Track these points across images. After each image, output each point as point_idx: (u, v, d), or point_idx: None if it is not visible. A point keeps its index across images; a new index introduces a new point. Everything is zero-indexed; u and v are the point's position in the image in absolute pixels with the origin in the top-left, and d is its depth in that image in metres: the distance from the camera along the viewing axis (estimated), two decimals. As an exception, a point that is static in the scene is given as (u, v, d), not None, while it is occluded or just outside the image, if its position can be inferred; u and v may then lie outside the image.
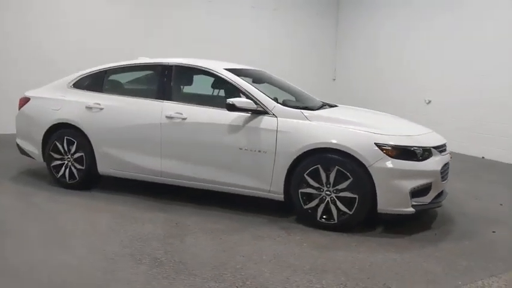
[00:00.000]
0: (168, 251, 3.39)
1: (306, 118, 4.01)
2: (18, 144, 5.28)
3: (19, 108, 5.20)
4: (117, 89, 4.98)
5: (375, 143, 3.73)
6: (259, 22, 9.92)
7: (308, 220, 3.97)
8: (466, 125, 7.83)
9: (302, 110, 4.10)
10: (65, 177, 4.84)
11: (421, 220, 4.18)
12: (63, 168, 4.85)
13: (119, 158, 4.62)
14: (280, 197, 4.06)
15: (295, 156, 3.90)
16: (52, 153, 4.87)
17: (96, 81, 4.93)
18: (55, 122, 4.84)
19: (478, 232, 4.02)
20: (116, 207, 4.36)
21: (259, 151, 4.04)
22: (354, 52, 10.53)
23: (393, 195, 3.72)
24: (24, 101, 5.17)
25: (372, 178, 3.70)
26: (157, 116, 4.41)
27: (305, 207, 3.93)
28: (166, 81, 4.59)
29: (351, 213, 3.79)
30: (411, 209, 3.75)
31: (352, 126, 3.91)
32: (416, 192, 3.77)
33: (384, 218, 3.95)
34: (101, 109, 4.67)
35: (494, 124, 7.44)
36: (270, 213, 4.25)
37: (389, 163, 3.68)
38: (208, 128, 4.23)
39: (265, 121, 4.05)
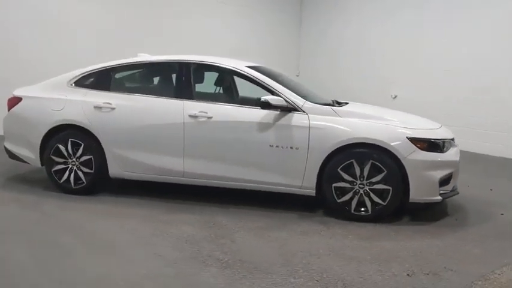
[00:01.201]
0: (226, 252, 3.34)
1: (337, 114, 4.12)
2: (7, 149, 4.82)
3: (8, 109, 4.74)
4: (128, 87, 4.75)
5: (406, 137, 3.95)
6: (223, 18, 9.84)
7: (341, 213, 4.09)
8: (432, 118, 8.36)
9: (331, 107, 4.21)
10: (70, 182, 4.52)
11: (433, 209, 4.46)
12: (66, 172, 4.52)
13: (134, 159, 4.40)
14: (312, 192, 4.14)
15: (329, 152, 3.99)
16: (53, 157, 4.51)
17: (102, 79, 4.63)
18: (57, 124, 4.49)
19: (489, 215, 4.40)
20: (136, 211, 4.17)
21: (291, 148, 4.08)
22: (318, 46, 10.75)
23: (424, 185, 3.96)
24: (15, 101, 4.71)
25: (404, 170, 3.91)
26: (179, 115, 4.27)
27: (338, 201, 4.05)
28: (186, 79, 4.44)
29: (384, 204, 3.97)
30: (439, 197, 4.03)
31: (381, 122, 4.10)
32: (442, 182, 4.05)
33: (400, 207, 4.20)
34: (113, 109, 4.42)
35: (459, 117, 8.05)
36: (297, 209, 4.31)
37: (421, 155, 3.92)
38: (235, 126, 4.19)
39: (296, 118, 4.10)
